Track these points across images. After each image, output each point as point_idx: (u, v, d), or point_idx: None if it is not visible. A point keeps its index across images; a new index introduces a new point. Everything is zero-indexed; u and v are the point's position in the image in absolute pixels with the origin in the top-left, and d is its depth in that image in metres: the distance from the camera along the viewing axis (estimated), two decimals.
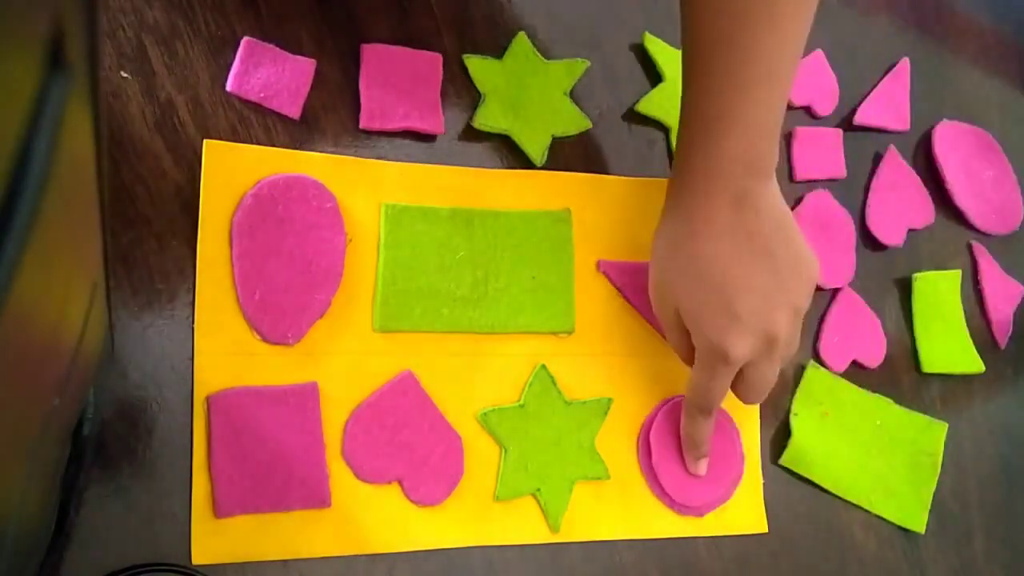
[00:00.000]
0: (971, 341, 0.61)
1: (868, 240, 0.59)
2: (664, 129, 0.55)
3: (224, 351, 0.43)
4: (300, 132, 0.46)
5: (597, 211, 0.52)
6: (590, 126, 0.52)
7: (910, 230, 0.60)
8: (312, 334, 0.45)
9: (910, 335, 0.60)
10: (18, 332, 0.16)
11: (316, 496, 0.44)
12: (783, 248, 0.44)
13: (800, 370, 0.56)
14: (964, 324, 0.61)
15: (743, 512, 0.53)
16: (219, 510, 0.42)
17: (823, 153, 0.58)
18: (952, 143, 0.62)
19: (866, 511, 0.56)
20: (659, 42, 0.55)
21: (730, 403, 0.53)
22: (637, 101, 0.54)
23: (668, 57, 0.54)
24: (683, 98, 0.45)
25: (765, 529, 0.53)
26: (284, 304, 0.44)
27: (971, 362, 0.61)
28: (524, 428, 0.48)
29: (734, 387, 0.47)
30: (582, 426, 0.49)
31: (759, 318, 0.44)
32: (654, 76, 0.55)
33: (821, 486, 0.55)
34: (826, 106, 0.59)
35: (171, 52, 0.44)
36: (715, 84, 0.42)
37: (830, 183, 0.58)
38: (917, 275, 0.60)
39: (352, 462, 0.45)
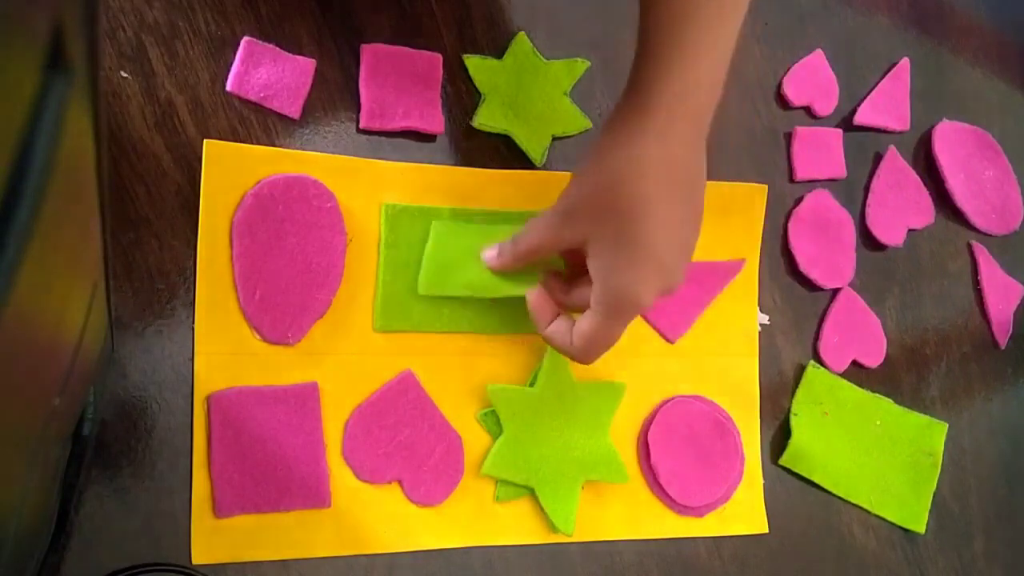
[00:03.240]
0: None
1: (868, 240, 0.59)
2: None
3: (224, 351, 0.43)
4: (300, 132, 0.46)
5: None
6: (590, 126, 0.52)
7: (910, 230, 0.60)
8: (312, 334, 0.45)
9: (909, 337, 0.60)
10: (18, 332, 0.16)
11: (316, 496, 0.44)
12: (699, 200, 0.41)
13: (800, 370, 0.56)
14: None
15: (743, 512, 0.53)
16: (219, 510, 0.42)
17: (823, 153, 0.58)
18: (952, 143, 0.62)
19: (866, 511, 0.56)
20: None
21: (730, 403, 0.54)
22: None
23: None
24: (647, 22, 0.41)
25: (765, 529, 0.53)
26: (284, 304, 0.44)
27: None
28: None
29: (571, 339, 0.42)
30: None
31: (675, 268, 0.40)
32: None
33: (821, 486, 0.55)
34: (826, 106, 0.59)
35: (171, 52, 0.44)
36: (689, 9, 0.39)
37: (830, 183, 0.58)
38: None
39: (352, 462, 0.45)
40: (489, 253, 0.45)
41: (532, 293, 0.44)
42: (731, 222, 0.55)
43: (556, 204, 0.41)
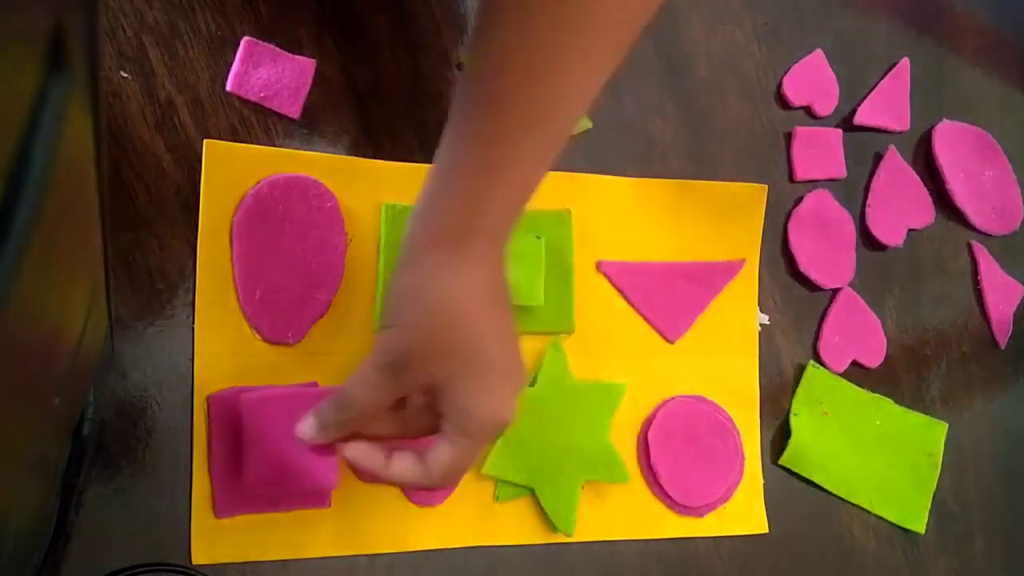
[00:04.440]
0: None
1: (868, 240, 0.59)
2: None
3: (224, 351, 0.43)
4: (300, 132, 0.46)
5: (597, 211, 0.51)
6: (590, 126, 0.52)
7: (910, 230, 0.60)
8: (312, 334, 0.45)
9: (909, 337, 0.60)
10: (18, 332, 0.16)
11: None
12: (510, 303, 0.39)
13: (800, 370, 0.56)
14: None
15: (743, 512, 0.53)
16: (219, 510, 0.42)
17: (823, 153, 0.58)
18: (952, 143, 0.62)
19: (866, 511, 0.56)
20: None
21: (730, 403, 0.54)
22: (638, 101, 0.54)
23: None
24: (450, 132, 0.37)
25: (765, 529, 0.53)
26: (284, 304, 0.44)
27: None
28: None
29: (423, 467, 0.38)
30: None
31: (520, 373, 0.39)
32: None
33: (821, 486, 0.55)
34: (826, 106, 0.59)
35: (171, 52, 0.44)
36: (495, 128, 0.36)
37: (830, 183, 0.58)
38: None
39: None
40: (306, 426, 0.39)
41: (351, 449, 0.39)
42: (731, 222, 0.55)
43: (376, 358, 0.37)
